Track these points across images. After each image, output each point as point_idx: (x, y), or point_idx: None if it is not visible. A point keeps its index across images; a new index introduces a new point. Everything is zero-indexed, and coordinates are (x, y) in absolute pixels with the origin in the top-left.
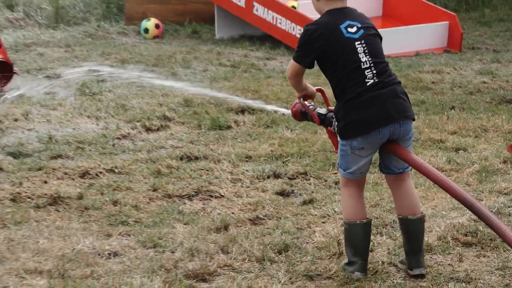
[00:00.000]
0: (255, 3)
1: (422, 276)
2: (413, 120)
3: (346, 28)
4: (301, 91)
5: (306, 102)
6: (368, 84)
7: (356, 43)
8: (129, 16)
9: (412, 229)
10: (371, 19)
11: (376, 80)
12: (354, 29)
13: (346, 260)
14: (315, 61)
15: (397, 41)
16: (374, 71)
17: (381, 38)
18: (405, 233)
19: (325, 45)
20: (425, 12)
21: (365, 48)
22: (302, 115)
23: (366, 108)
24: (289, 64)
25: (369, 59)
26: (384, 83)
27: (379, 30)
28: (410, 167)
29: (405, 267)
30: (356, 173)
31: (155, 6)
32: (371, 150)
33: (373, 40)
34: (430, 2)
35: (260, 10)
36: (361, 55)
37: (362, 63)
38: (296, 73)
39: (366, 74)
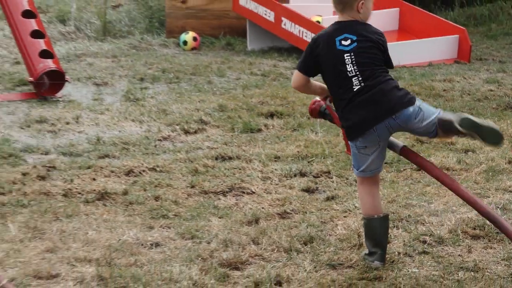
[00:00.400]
0: (283, 18)
1: None
2: (410, 104)
3: (340, 40)
4: (320, 94)
5: (331, 104)
6: (355, 90)
7: (345, 55)
8: (169, 29)
9: None
10: (388, 33)
11: (363, 85)
12: (348, 42)
13: (366, 251)
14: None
15: (411, 52)
16: (360, 78)
17: (379, 48)
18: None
19: (321, 55)
20: (437, 27)
21: (353, 59)
22: (320, 113)
23: (357, 112)
24: (296, 75)
25: (355, 68)
26: (370, 86)
27: (395, 43)
28: None
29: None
30: (366, 171)
31: (193, 21)
32: (374, 147)
33: (364, 50)
34: (442, 17)
35: (287, 25)
36: (348, 66)
37: (348, 72)
38: (298, 81)
39: (353, 81)
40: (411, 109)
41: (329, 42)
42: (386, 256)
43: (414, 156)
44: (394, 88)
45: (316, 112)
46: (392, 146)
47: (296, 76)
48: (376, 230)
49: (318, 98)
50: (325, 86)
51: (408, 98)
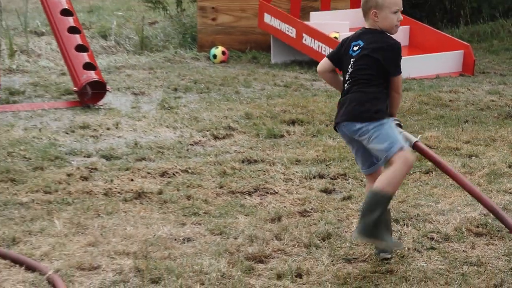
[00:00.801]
0: (304, 34)
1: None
2: (359, 120)
3: (353, 46)
4: (336, 88)
5: None
6: (344, 90)
7: (351, 59)
8: (200, 44)
9: None
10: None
11: (347, 87)
12: (356, 48)
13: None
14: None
15: (420, 66)
16: (349, 81)
17: (379, 53)
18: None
19: (342, 53)
20: (444, 43)
21: (354, 64)
22: None
23: (338, 108)
24: (322, 61)
25: (351, 71)
26: (349, 91)
27: (406, 57)
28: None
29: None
30: (362, 169)
31: (222, 36)
32: (349, 145)
33: (361, 58)
34: (448, 34)
35: (308, 40)
36: (349, 69)
37: (347, 75)
38: (323, 66)
39: (346, 83)
40: (357, 125)
41: (348, 45)
42: (397, 252)
43: (426, 151)
44: (356, 101)
45: None
46: (406, 140)
47: (324, 61)
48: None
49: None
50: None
51: (362, 114)
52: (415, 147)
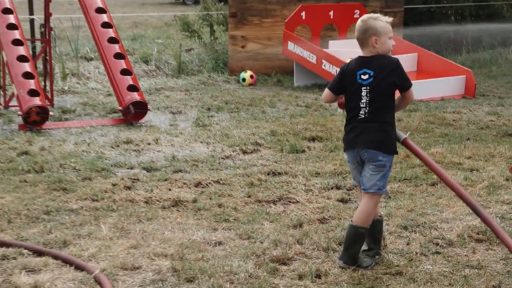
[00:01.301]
0: (323, 61)
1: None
2: (381, 150)
3: (360, 75)
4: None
5: None
6: (359, 118)
7: (363, 88)
8: (231, 69)
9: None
10: (408, 73)
11: (366, 116)
12: (366, 76)
13: (367, 247)
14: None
15: (427, 89)
16: (367, 109)
17: (389, 79)
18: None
19: (346, 82)
20: (448, 69)
21: (368, 92)
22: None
23: (351, 133)
24: (325, 91)
25: (367, 100)
26: (368, 120)
27: (414, 81)
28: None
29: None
30: (355, 181)
31: (251, 62)
32: (354, 164)
33: (378, 86)
34: (452, 61)
35: (326, 66)
36: (363, 97)
37: (361, 103)
38: (327, 97)
39: (361, 110)
40: (381, 156)
41: (352, 75)
42: (406, 255)
43: (413, 148)
44: (383, 134)
45: (342, 105)
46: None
47: (327, 92)
48: (372, 230)
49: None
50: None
51: (387, 147)
52: (404, 143)
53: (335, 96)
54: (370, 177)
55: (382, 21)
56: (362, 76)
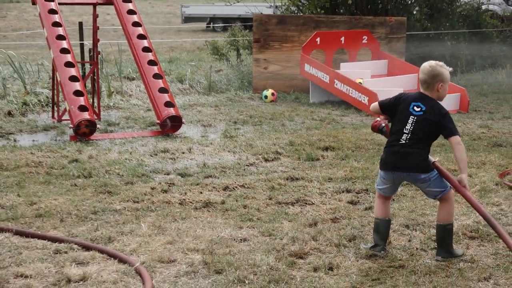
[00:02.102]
0: (335, 80)
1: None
2: (422, 172)
3: (414, 106)
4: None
5: (387, 122)
6: (400, 142)
7: (411, 116)
8: (255, 87)
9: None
10: (410, 91)
11: (406, 142)
12: (418, 109)
13: (372, 243)
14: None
15: None
16: (408, 137)
17: (438, 123)
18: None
19: (399, 108)
20: None
21: (414, 122)
22: (378, 130)
23: (391, 155)
24: (374, 104)
25: (411, 129)
26: (409, 145)
27: None
28: None
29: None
30: (381, 191)
31: (272, 81)
32: (389, 183)
33: (422, 121)
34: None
35: (338, 84)
36: (408, 125)
37: (405, 129)
38: (375, 109)
39: (404, 136)
40: (422, 175)
41: (406, 103)
42: (407, 250)
43: (441, 169)
44: (419, 157)
45: (376, 128)
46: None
47: (376, 105)
48: (382, 228)
49: (379, 118)
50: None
51: (423, 167)
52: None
53: (380, 112)
54: (429, 191)
55: (447, 70)
56: (415, 108)
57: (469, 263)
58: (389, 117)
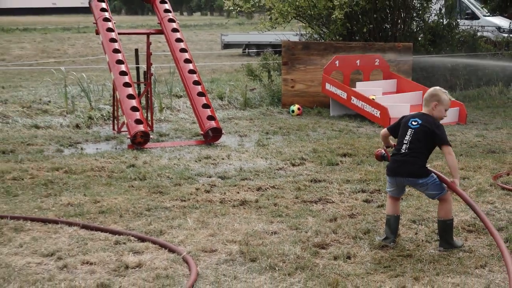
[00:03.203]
0: (352, 97)
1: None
2: (418, 177)
3: (412, 121)
4: (385, 144)
5: (388, 150)
6: (401, 151)
7: (409, 130)
8: (283, 103)
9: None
10: (415, 106)
11: (405, 151)
12: (415, 123)
13: (384, 236)
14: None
15: None
16: (407, 146)
17: (431, 131)
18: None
19: (401, 125)
20: None
21: (412, 134)
22: (380, 157)
23: (393, 163)
24: (383, 129)
25: (409, 139)
26: (407, 154)
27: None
28: None
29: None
30: (390, 193)
31: (298, 98)
32: (394, 186)
33: (420, 132)
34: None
35: (355, 101)
36: (407, 137)
37: (405, 140)
38: (384, 134)
39: (404, 146)
40: (420, 180)
41: (407, 120)
42: (413, 241)
43: (436, 173)
44: (416, 165)
45: (379, 157)
46: None
47: (385, 131)
48: (392, 224)
49: (380, 148)
50: (390, 142)
51: (421, 172)
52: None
53: (389, 134)
54: (428, 194)
55: (447, 96)
56: (413, 122)
57: (467, 253)
58: (390, 145)
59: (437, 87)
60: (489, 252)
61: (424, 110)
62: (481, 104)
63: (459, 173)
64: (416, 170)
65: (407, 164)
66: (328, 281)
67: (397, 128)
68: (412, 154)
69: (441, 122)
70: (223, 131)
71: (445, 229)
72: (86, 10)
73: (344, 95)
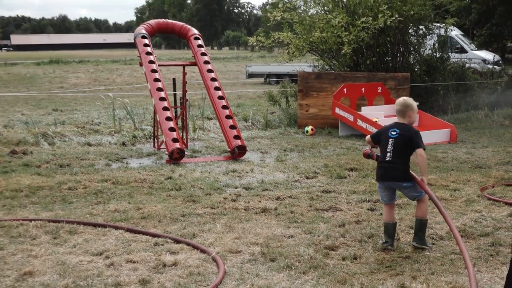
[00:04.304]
0: (358, 119)
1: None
2: (404, 180)
3: (391, 131)
4: (372, 146)
5: (373, 150)
6: (386, 159)
7: (390, 139)
8: (299, 124)
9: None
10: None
11: (390, 159)
12: (394, 133)
13: (384, 240)
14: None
15: (425, 138)
16: (391, 154)
17: (408, 138)
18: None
19: (381, 136)
20: (438, 124)
21: (393, 143)
22: (367, 155)
23: (380, 169)
24: (367, 136)
25: (392, 148)
26: (391, 162)
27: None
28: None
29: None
30: (383, 200)
31: (311, 120)
32: (384, 190)
33: (399, 140)
34: (441, 119)
35: (360, 122)
36: (389, 146)
37: (388, 149)
38: (368, 140)
39: (387, 154)
40: (405, 184)
41: (386, 131)
42: (412, 245)
43: (414, 176)
44: (400, 170)
45: (366, 155)
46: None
47: (369, 137)
48: (389, 230)
49: (367, 148)
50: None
51: (405, 176)
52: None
53: (372, 143)
54: (410, 195)
55: (415, 104)
56: (392, 132)
57: (458, 255)
58: (376, 145)
59: (406, 98)
60: (477, 254)
61: (399, 120)
62: (469, 125)
63: (426, 173)
64: (402, 175)
65: (393, 170)
66: (338, 278)
67: (379, 137)
68: (396, 160)
69: (435, 141)
70: (247, 149)
71: (421, 228)
72: (132, 45)
73: (351, 118)
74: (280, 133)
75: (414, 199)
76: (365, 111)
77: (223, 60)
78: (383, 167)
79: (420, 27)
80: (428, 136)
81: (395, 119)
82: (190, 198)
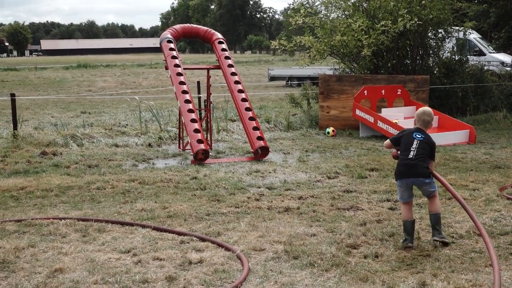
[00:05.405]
0: (378, 121)
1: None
2: (426, 177)
3: (416, 134)
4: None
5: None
6: (409, 157)
7: (415, 140)
8: (320, 126)
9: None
10: (432, 129)
11: (414, 157)
12: (420, 136)
13: (404, 238)
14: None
15: (445, 138)
16: (414, 153)
17: (431, 145)
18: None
19: (402, 138)
20: (458, 125)
21: (418, 144)
22: (396, 157)
23: (402, 167)
24: (387, 140)
25: (416, 147)
26: (416, 159)
27: (437, 133)
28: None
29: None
30: (402, 199)
31: (332, 122)
32: (404, 188)
33: (424, 143)
34: (460, 120)
35: (380, 124)
36: (414, 145)
37: (412, 147)
38: (387, 145)
39: (411, 153)
40: (427, 180)
41: (410, 134)
42: (432, 244)
43: (436, 175)
44: (424, 167)
45: (395, 157)
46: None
47: (388, 142)
48: (409, 227)
49: (394, 150)
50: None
51: (427, 173)
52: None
53: (393, 146)
54: (428, 190)
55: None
56: (417, 135)
57: (478, 254)
58: (397, 147)
59: (430, 110)
60: (496, 253)
61: (422, 128)
62: (488, 127)
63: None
64: (425, 171)
65: (417, 167)
66: (359, 276)
67: (398, 140)
68: (420, 158)
69: (454, 142)
70: (270, 149)
71: (438, 221)
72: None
73: (371, 119)
74: (301, 135)
75: (430, 194)
76: (385, 112)
77: (245, 63)
78: (406, 164)
79: (439, 30)
80: (447, 137)
81: (412, 121)
82: (214, 197)
